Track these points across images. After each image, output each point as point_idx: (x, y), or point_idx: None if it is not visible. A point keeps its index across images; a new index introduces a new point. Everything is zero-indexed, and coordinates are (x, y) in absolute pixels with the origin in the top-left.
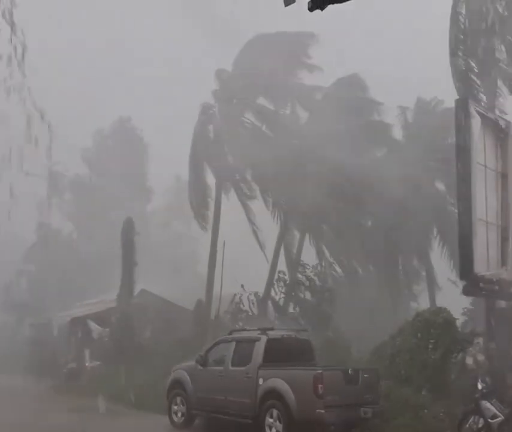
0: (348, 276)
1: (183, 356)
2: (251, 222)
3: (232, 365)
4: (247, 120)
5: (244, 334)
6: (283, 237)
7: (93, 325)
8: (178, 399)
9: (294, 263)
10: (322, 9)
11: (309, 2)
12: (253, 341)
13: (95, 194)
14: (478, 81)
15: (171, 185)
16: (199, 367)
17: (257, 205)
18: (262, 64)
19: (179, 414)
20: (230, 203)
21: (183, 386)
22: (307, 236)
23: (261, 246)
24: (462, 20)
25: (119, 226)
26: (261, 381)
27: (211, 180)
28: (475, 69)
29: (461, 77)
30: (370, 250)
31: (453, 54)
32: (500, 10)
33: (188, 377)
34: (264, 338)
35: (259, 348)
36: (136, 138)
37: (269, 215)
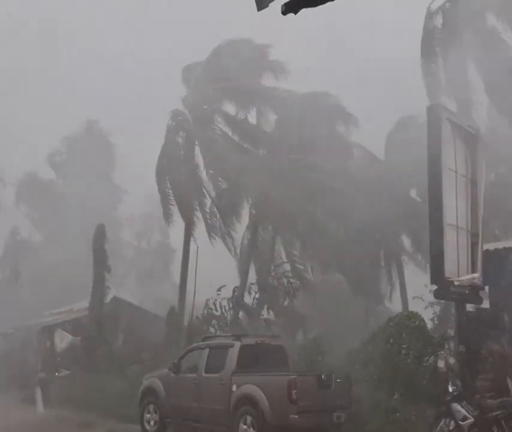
0: (319, 282)
1: (155, 364)
2: (225, 226)
3: (206, 371)
4: (217, 127)
5: (218, 340)
6: (255, 242)
7: (63, 333)
8: (151, 407)
9: (266, 268)
10: (295, 13)
11: (282, 6)
12: (226, 347)
13: (65, 201)
14: (448, 90)
15: (144, 191)
16: (172, 374)
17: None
18: (230, 69)
19: (152, 423)
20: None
21: (155, 393)
22: (278, 240)
23: (234, 251)
24: (435, 31)
25: (90, 233)
26: (234, 387)
27: (182, 185)
28: (445, 78)
29: (431, 86)
30: (341, 255)
31: (424, 63)
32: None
33: (161, 385)
34: (237, 344)
35: (233, 355)
36: (108, 144)
37: (243, 221)
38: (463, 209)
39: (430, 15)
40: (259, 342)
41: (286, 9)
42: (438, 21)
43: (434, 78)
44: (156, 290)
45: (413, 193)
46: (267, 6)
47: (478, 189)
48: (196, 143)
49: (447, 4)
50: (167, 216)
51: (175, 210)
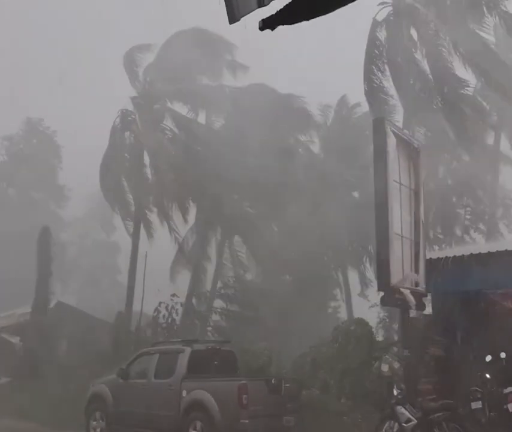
0: (266, 286)
1: (102, 370)
2: (172, 230)
3: (155, 377)
4: (167, 127)
5: (168, 346)
6: (204, 246)
7: (3, 339)
8: (98, 414)
9: (216, 273)
10: (272, 29)
11: (259, 22)
12: (177, 352)
13: (7, 202)
14: (391, 102)
15: (91, 192)
16: (121, 380)
17: (178, 215)
18: (181, 65)
19: (98, 430)
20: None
21: (102, 400)
22: (226, 243)
23: (184, 255)
24: (379, 43)
25: (34, 235)
26: (184, 393)
27: (129, 185)
28: (390, 90)
29: (374, 96)
30: (288, 259)
31: (368, 74)
32: (415, 37)
33: (108, 391)
34: (188, 350)
35: (183, 360)
36: (53, 143)
37: (191, 225)
38: (407, 219)
39: (374, 26)
40: (209, 347)
41: (264, 25)
42: (382, 33)
43: (375, 87)
44: (103, 295)
45: (356, 194)
46: (239, 19)
47: (419, 199)
48: (144, 144)
49: (391, 17)
50: (107, 224)
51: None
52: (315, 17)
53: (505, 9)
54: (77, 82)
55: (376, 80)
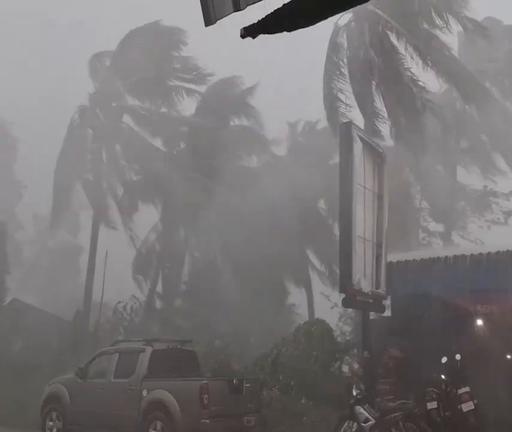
0: (227, 285)
1: (59, 369)
2: (128, 228)
3: (115, 377)
4: (124, 124)
5: (128, 345)
6: (165, 245)
7: None
8: (54, 414)
9: (177, 272)
10: (253, 37)
11: (241, 29)
12: (137, 352)
13: None
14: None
15: (47, 186)
16: (79, 380)
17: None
18: (139, 61)
19: (54, 431)
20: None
21: (59, 400)
22: (187, 242)
23: (145, 254)
24: (339, 48)
25: None
26: (145, 393)
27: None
28: (351, 94)
29: (333, 101)
30: (249, 259)
31: (327, 78)
32: (374, 41)
33: (66, 391)
34: (149, 349)
35: (144, 360)
36: (10, 138)
37: (151, 221)
38: (370, 222)
39: (336, 31)
40: (170, 347)
41: (245, 33)
42: (343, 38)
43: (334, 91)
44: (61, 292)
45: (319, 201)
46: (215, 22)
47: (383, 203)
48: (103, 140)
49: (352, 23)
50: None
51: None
52: (298, 28)
53: (467, 14)
54: (35, 74)
55: (335, 85)
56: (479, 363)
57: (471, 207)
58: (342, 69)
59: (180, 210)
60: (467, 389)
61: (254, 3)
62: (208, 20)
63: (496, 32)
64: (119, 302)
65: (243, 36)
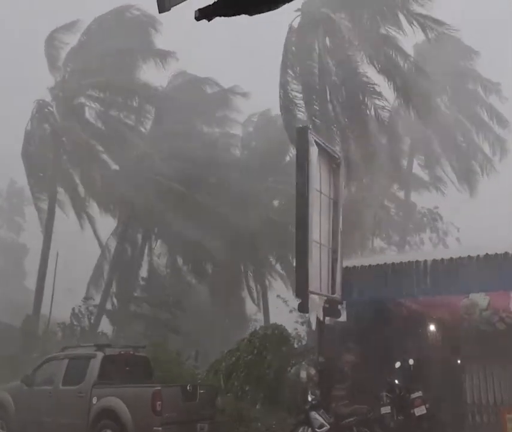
0: (183, 289)
1: (5, 376)
2: (92, 229)
3: (64, 384)
4: (88, 120)
5: (79, 351)
6: (123, 248)
7: None
8: None
9: (133, 276)
10: (209, 20)
11: (196, 11)
12: (88, 358)
13: None
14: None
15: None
16: (25, 387)
17: (97, 213)
18: (106, 54)
19: None
20: (68, 210)
21: (4, 408)
22: (146, 246)
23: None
24: (293, 50)
25: None
26: (95, 400)
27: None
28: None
29: (288, 104)
30: (206, 264)
31: (282, 81)
32: (328, 45)
33: (10, 399)
34: (100, 355)
35: (95, 366)
36: None
37: (110, 224)
38: (325, 227)
39: (290, 33)
40: (122, 353)
41: (200, 15)
42: (297, 40)
43: (288, 94)
44: (8, 296)
45: (276, 203)
46: (169, 9)
47: (338, 208)
48: (63, 137)
49: (305, 25)
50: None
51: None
52: (255, 13)
53: (429, 24)
54: None
55: (289, 88)
56: (431, 367)
57: (425, 219)
58: (296, 72)
59: (141, 213)
60: (419, 393)
61: None
62: (163, 7)
63: (453, 48)
64: (72, 308)
65: (197, 18)
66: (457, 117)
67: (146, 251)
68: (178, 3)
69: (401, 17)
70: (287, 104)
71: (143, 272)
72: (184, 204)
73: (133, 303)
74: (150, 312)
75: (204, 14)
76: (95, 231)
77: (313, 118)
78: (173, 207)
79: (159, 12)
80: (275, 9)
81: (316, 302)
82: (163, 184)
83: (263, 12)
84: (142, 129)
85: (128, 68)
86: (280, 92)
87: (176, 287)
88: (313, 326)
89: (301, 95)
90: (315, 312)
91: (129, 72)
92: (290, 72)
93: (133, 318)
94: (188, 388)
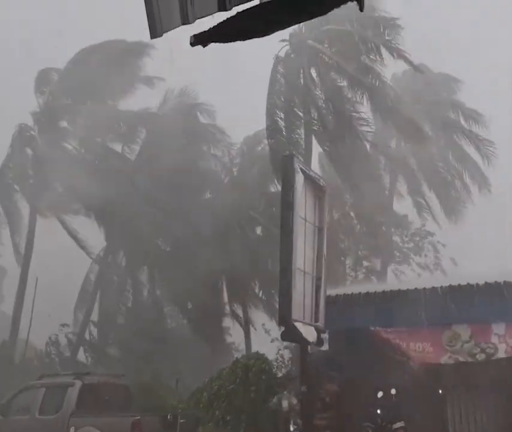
0: (164, 316)
1: None
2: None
3: (40, 413)
4: (70, 146)
5: (57, 379)
6: (103, 272)
7: None
8: None
9: (114, 303)
10: (204, 46)
11: (191, 37)
12: (66, 386)
13: None
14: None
15: None
16: (0, 417)
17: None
18: (91, 79)
19: None
20: (49, 233)
21: None
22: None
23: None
24: (280, 79)
25: None
26: (72, 430)
27: (24, 206)
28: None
29: (274, 132)
30: (188, 293)
31: (269, 109)
32: (314, 75)
33: None
34: (78, 383)
35: (73, 394)
36: None
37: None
38: (310, 255)
39: (277, 63)
40: (102, 381)
41: (195, 41)
42: (283, 69)
43: (275, 122)
44: None
45: (258, 230)
46: (161, 35)
47: (322, 236)
48: (47, 160)
49: (292, 55)
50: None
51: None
52: (250, 38)
53: (401, 47)
54: None
55: (276, 116)
56: (414, 398)
57: (406, 247)
58: (282, 101)
59: (126, 239)
60: (402, 423)
61: (203, 17)
62: (154, 33)
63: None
64: (49, 336)
65: (192, 44)
66: (438, 145)
67: (129, 280)
68: (171, 29)
69: (383, 50)
70: (273, 132)
71: (125, 300)
72: (165, 233)
73: (113, 332)
74: (130, 341)
75: (200, 39)
76: (82, 247)
77: (299, 146)
78: (153, 235)
79: (151, 38)
80: (269, 35)
81: (307, 331)
82: (144, 213)
83: (257, 37)
84: (128, 155)
85: (113, 95)
86: (266, 121)
87: (157, 315)
88: (296, 355)
89: (286, 123)
90: (298, 340)
91: (114, 98)
92: (276, 100)
93: (114, 346)
94: (168, 417)
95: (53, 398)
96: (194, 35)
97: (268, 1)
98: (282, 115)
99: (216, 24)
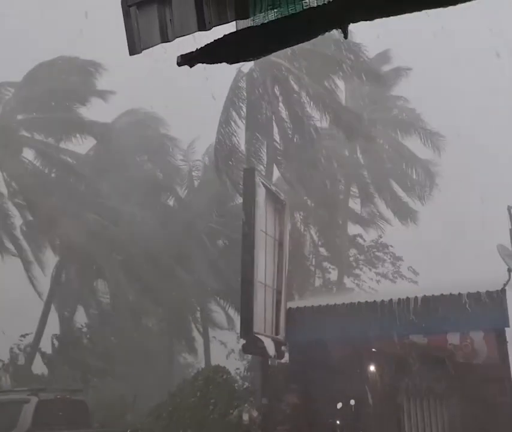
0: (124, 334)
1: None
2: (26, 269)
3: None
4: (26, 159)
5: (10, 395)
6: (58, 284)
7: None
8: None
9: (69, 316)
10: (191, 66)
11: (178, 57)
12: (20, 403)
13: None
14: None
15: None
16: None
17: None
18: (45, 95)
19: None
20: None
21: None
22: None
23: (39, 295)
24: (240, 94)
25: None
26: None
27: None
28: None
29: (223, 147)
30: (147, 306)
31: (222, 124)
32: (276, 90)
33: None
34: (34, 400)
35: (28, 411)
36: None
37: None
38: (270, 268)
39: (238, 77)
40: (59, 397)
41: (182, 61)
42: (245, 84)
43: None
44: None
45: (220, 243)
46: (140, 52)
47: (283, 249)
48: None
49: (254, 73)
50: None
51: None
52: (237, 61)
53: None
54: None
55: (234, 131)
56: (372, 408)
57: (363, 258)
58: (243, 118)
59: (80, 252)
60: None
61: (183, 35)
62: (133, 49)
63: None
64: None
65: (179, 64)
66: (390, 154)
67: (86, 291)
68: (150, 47)
69: (345, 67)
70: (221, 147)
71: (83, 312)
72: (122, 249)
73: (72, 346)
74: (89, 355)
75: (186, 60)
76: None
77: (260, 160)
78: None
79: (130, 54)
80: (253, 60)
81: (268, 343)
82: (103, 227)
83: (244, 61)
84: (81, 166)
85: (69, 107)
86: (222, 135)
87: (113, 330)
88: (257, 368)
89: (245, 138)
90: (259, 353)
91: (70, 110)
92: (236, 115)
93: (71, 361)
94: None
95: (6, 415)
96: (181, 55)
97: (256, 26)
98: (243, 128)
99: (203, 45)
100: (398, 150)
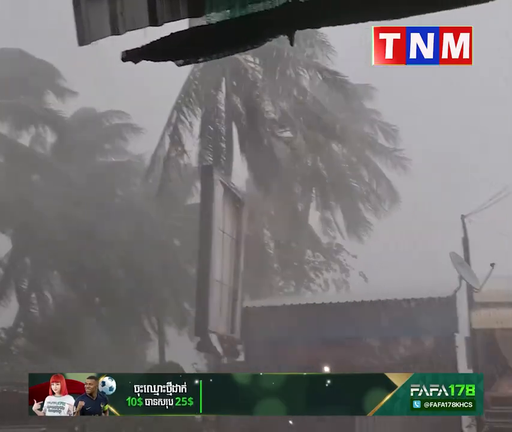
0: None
1: None
2: None
3: None
4: None
5: None
6: (12, 279)
7: None
8: None
9: (22, 308)
10: (135, 62)
11: (123, 52)
12: None
13: None
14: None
15: None
16: None
17: None
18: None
19: None
20: None
21: None
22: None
23: None
24: (193, 88)
25: None
26: None
27: None
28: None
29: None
30: (102, 300)
31: (172, 118)
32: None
33: None
34: None
35: None
36: None
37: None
38: (227, 266)
39: (196, 70)
40: (5, 390)
41: (127, 57)
42: (198, 76)
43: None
44: None
45: (177, 242)
46: (89, 43)
47: (240, 248)
48: None
49: (197, 73)
50: None
51: None
52: (182, 63)
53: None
54: None
55: (187, 125)
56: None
57: (320, 260)
58: (198, 112)
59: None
60: None
61: (134, 29)
62: (82, 40)
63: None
64: None
65: (124, 59)
66: (350, 159)
67: (40, 283)
68: (100, 39)
69: (307, 64)
70: (182, 143)
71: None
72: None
73: (16, 339)
74: (40, 351)
75: (131, 56)
76: None
77: (218, 157)
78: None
79: (79, 45)
80: (201, 62)
81: (217, 341)
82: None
83: (191, 63)
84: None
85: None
86: (169, 129)
87: (68, 323)
88: (212, 366)
89: (199, 133)
90: (214, 351)
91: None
92: (189, 109)
93: (17, 355)
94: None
95: None
96: (126, 51)
97: (204, 26)
98: (196, 124)
99: (148, 42)
100: (363, 161)
